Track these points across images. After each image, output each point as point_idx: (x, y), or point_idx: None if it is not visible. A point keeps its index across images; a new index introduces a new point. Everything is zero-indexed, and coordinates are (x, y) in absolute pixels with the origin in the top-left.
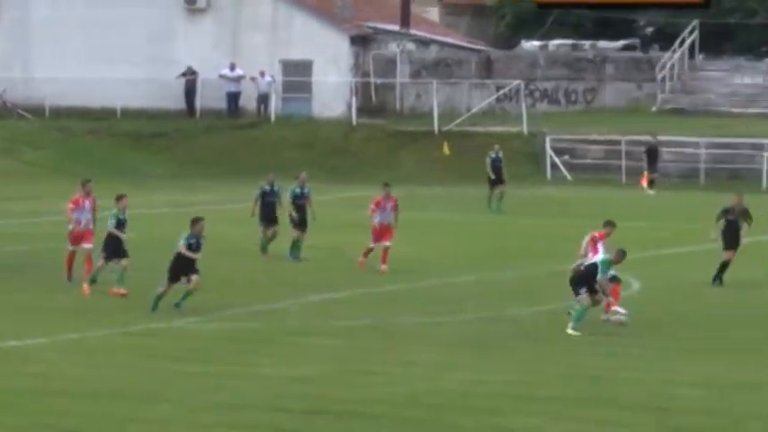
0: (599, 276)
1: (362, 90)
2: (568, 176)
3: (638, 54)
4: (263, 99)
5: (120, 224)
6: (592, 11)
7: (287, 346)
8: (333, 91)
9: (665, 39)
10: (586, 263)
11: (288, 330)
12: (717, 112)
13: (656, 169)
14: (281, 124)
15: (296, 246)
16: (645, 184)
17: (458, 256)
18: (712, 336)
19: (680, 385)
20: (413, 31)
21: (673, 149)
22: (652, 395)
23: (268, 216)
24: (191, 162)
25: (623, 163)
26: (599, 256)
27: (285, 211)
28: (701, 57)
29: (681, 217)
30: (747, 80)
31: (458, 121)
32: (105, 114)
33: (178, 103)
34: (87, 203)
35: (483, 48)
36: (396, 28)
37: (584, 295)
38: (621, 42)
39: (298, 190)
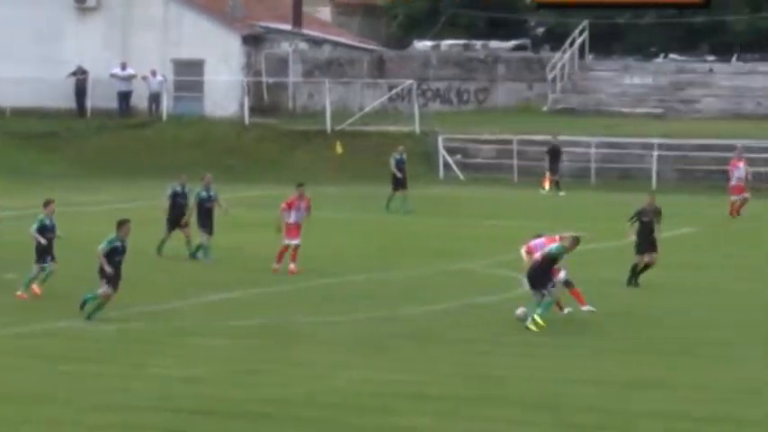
0: (550, 252)
1: (255, 89)
2: (461, 176)
3: (529, 54)
4: (155, 98)
5: (45, 229)
6: (547, 11)
7: (180, 346)
8: (225, 90)
9: (556, 39)
10: (541, 254)
11: (181, 331)
12: (607, 112)
13: (559, 170)
14: (172, 124)
15: (201, 247)
16: (546, 185)
17: (350, 256)
18: (606, 334)
19: (574, 383)
20: (305, 31)
21: (564, 149)
22: (546, 393)
23: (176, 218)
24: (82, 162)
25: (515, 162)
26: (552, 246)
27: (192, 213)
28: (590, 57)
29: (573, 216)
30: (637, 80)
31: (350, 120)
32: None
33: (68, 102)
34: None
35: (375, 47)
36: (288, 27)
37: (555, 288)
38: (513, 42)
39: (204, 193)
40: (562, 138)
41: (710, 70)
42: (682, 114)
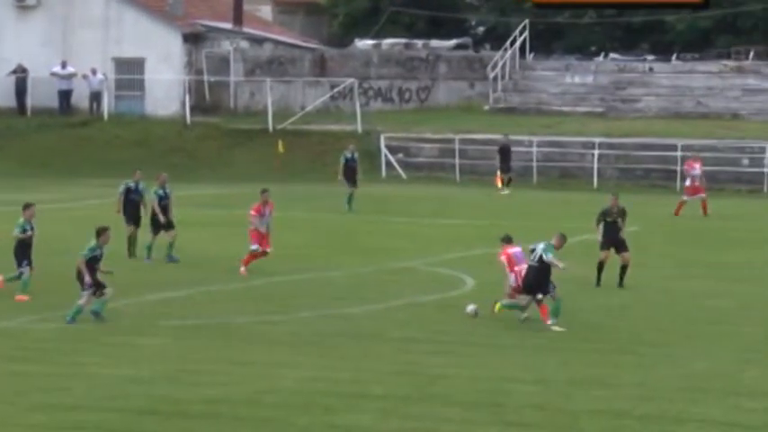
0: (546, 257)
1: (196, 88)
2: (403, 175)
3: (470, 53)
4: (96, 97)
5: (25, 232)
6: (537, 10)
7: (120, 346)
8: (166, 89)
9: (497, 38)
10: (532, 258)
11: (121, 330)
12: (548, 111)
13: (510, 168)
14: (114, 123)
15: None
16: (499, 183)
17: (293, 255)
18: (547, 333)
19: (516, 382)
20: (246, 30)
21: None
22: (486, 392)
23: (131, 214)
24: (23, 161)
25: (457, 161)
26: (540, 245)
27: (148, 211)
28: (531, 56)
29: (516, 215)
30: (577, 79)
31: (292, 119)
32: None
33: (9, 101)
34: None
35: (317, 46)
36: (228, 26)
37: (554, 291)
38: (454, 41)
39: (161, 191)
40: (501, 137)
41: (650, 69)
42: (622, 113)
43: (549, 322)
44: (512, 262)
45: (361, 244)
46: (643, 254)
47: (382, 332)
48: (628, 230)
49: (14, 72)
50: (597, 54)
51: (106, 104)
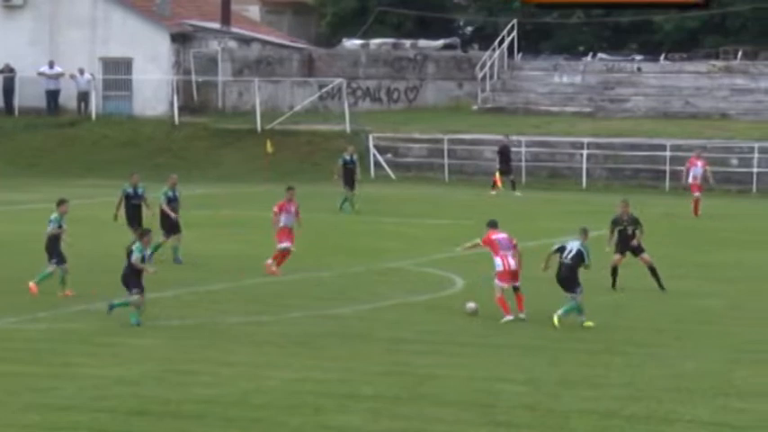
0: (588, 261)
1: (184, 88)
2: (392, 175)
3: (458, 53)
4: (83, 97)
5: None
6: (580, 9)
7: (109, 346)
8: (154, 89)
9: (485, 38)
10: (565, 256)
11: (110, 331)
12: (536, 111)
13: (511, 169)
14: (101, 123)
15: (159, 247)
16: (498, 183)
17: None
18: (536, 334)
19: (505, 382)
20: (234, 29)
21: (493, 148)
22: (476, 392)
23: (133, 219)
24: (10, 161)
25: (446, 161)
26: (575, 244)
27: (154, 213)
28: (519, 56)
29: (505, 215)
30: (566, 79)
31: (281, 119)
32: None
33: None
34: None
35: (305, 46)
36: (216, 26)
37: (580, 293)
38: (442, 41)
39: (170, 193)
40: (492, 137)
41: (639, 69)
42: (611, 113)
43: (558, 315)
44: (495, 247)
45: (351, 244)
46: (632, 254)
47: (371, 332)
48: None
49: (1, 72)
50: (585, 54)
51: (94, 104)
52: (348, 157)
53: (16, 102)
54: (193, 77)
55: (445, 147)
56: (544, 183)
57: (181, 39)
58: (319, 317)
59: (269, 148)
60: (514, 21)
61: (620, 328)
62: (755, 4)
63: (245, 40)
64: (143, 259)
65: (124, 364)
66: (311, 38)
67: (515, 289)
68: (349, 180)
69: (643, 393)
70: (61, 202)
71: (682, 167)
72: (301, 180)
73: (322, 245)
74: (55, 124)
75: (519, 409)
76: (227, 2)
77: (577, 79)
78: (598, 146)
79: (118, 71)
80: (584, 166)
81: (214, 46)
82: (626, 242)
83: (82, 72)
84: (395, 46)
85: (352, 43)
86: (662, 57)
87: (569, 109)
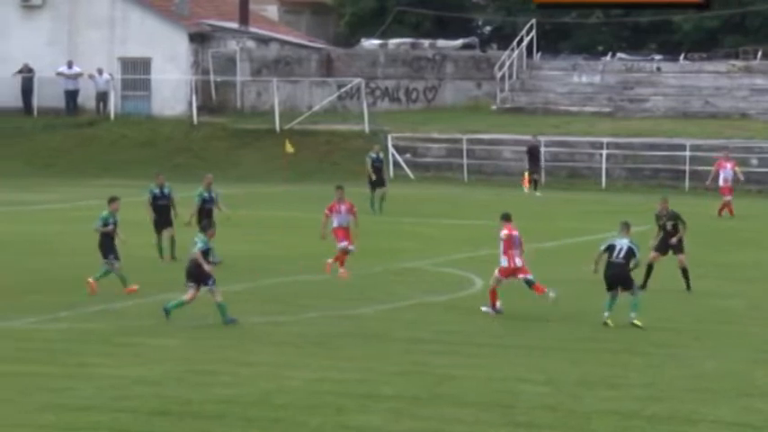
0: (638, 257)
1: (202, 88)
2: (411, 175)
3: (477, 53)
4: (102, 97)
5: (107, 225)
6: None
7: (128, 346)
8: (172, 89)
9: (503, 38)
10: (617, 254)
11: (129, 331)
12: (555, 111)
13: (539, 169)
14: (120, 123)
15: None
16: (526, 184)
17: (301, 255)
18: (554, 334)
19: (526, 382)
20: (252, 29)
21: (513, 148)
22: (496, 392)
23: (161, 220)
24: (29, 161)
25: (465, 161)
26: (624, 242)
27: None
28: (538, 56)
29: (524, 215)
30: (585, 79)
31: (299, 119)
32: None
33: (15, 101)
34: None
35: (323, 46)
36: (235, 26)
37: (638, 290)
38: (460, 41)
39: (206, 194)
40: (510, 137)
41: (658, 69)
42: (630, 113)
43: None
44: (509, 245)
45: (369, 245)
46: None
47: (390, 332)
48: (639, 230)
49: (20, 72)
50: (604, 54)
51: (113, 104)
52: (375, 156)
53: (35, 102)
54: (212, 77)
55: (464, 147)
56: (563, 183)
57: (199, 38)
58: (338, 317)
59: (289, 148)
60: (533, 20)
61: (636, 328)
62: None
63: (264, 40)
64: (206, 254)
65: (144, 365)
66: (330, 38)
67: (528, 283)
68: (378, 179)
69: (664, 394)
70: (112, 200)
71: (701, 167)
72: (320, 180)
73: None
74: (74, 124)
75: (539, 410)
76: (245, 1)
77: (596, 79)
78: (617, 146)
79: (136, 71)
80: (604, 166)
81: (232, 46)
82: (665, 239)
83: (101, 72)
84: (413, 46)
85: (370, 43)
86: (681, 56)
87: (588, 109)
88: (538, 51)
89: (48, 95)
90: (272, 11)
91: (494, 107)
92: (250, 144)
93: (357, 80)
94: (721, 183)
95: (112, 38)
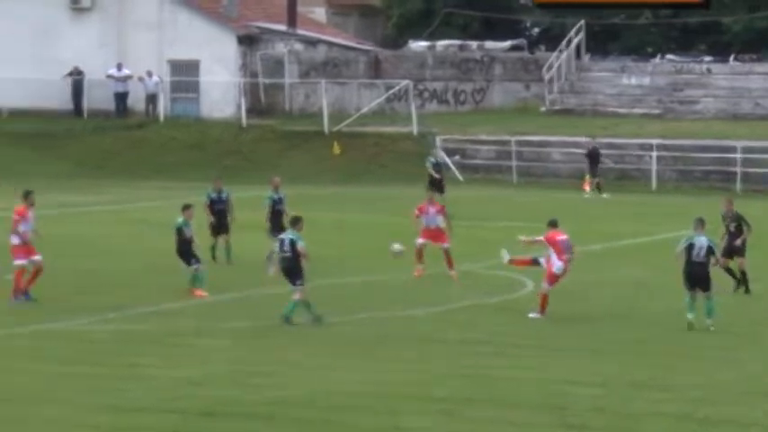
0: (718, 255)
1: (251, 90)
2: (460, 177)
3: (525, 55)
4: (152, 99)
5: (181, 232)
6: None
7: (179, 347)
8: (221, 91)
9: (552, 39)
10: (697, 253)
11: (179, 332)
12: (604, 113)
13: (598, 172)
14: (169, 125)
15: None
16: (587, 187)
17: (349, 257)
18: (604, 336)
19: (577, 384)
20: (300, 31)
21: (562, 150)
22: (548, 394)
23: (217, 225)
24: (79, 162)
25: (514, 163)
26: (702, 240)
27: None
28: (587, 57)
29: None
30: (634, 80)
31: (348, 121)
32: None
33: (65, 103)
34: (30, 214)
35: (371, 48)
36: (283, 28)
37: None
38: (509, 43)
39: (275, 195)
40: (559, 138)
41: (708, 71)
42: (680, 115)
43: (689, 316)
44: (559, 248)
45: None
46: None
47: (441, 334)
48: (684, 234)
49: (70, 74)
50: (654, 55)
51: (162, 107)
52: (434, 160)
53: (85, 104)
54: (260, 79)
55: (513, 148)
56: (613, 185)
57: (247, 41)
58: (389, 319)
59: (336, 149)
60: (582, 22)
61: (687, 330)
62: None
63: (312, 42)
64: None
65: (193, 365)
66: (377, 39)
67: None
68: (437, 185)
69: (717, 396)
70: (186, 207)
71: (753, 169)
72: (368, 181)
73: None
74: (123, 126)
75: (591, 412)
76: (293, 4)
77: (646, 81)
78: (667, 147)
79: (185, 73)
80: (654, 167)
81: (280, 48)
82: (729, 241)
83: (150, 74)
84: (461, 47)
85: (418, 45)
86: (731, 58)
87: (638, 111)
88: (586, 53)
89: (97, 98)
90: (320, 13)
91: (543, 109)
92: (299, 146)
93: (405, 82)
94: None
95: (161, 40)
